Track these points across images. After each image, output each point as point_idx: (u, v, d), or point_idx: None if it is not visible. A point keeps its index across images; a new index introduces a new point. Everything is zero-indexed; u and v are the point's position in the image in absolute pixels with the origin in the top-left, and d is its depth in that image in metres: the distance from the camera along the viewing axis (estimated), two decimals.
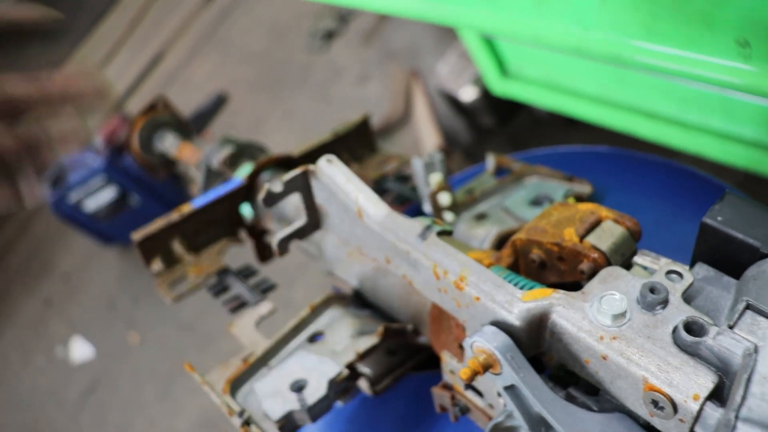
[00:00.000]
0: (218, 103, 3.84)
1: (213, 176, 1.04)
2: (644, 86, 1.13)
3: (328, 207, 0.59)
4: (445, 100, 2.48)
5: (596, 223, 0.54)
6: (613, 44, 0.80)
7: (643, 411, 0.43)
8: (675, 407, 0.41)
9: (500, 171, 0.91)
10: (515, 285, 0.51)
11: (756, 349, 0.40)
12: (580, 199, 0.80)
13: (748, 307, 0.43)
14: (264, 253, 1.00)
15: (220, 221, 0.94)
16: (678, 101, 1.09)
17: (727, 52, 0.71)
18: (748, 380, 0.39)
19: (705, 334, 0.42)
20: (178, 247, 0.90)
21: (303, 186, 0.58)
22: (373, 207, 0.54)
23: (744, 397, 0.38)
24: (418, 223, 0.53)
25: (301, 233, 0.61)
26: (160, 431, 2.39)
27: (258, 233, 0.99)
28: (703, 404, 0.40)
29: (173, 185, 3.20)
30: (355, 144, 1.05)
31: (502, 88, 1.52)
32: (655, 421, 0.43)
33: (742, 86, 0.71)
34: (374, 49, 3.34)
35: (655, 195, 0.82)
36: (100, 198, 3.00)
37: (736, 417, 0.38)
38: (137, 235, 0.86)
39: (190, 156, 1.23)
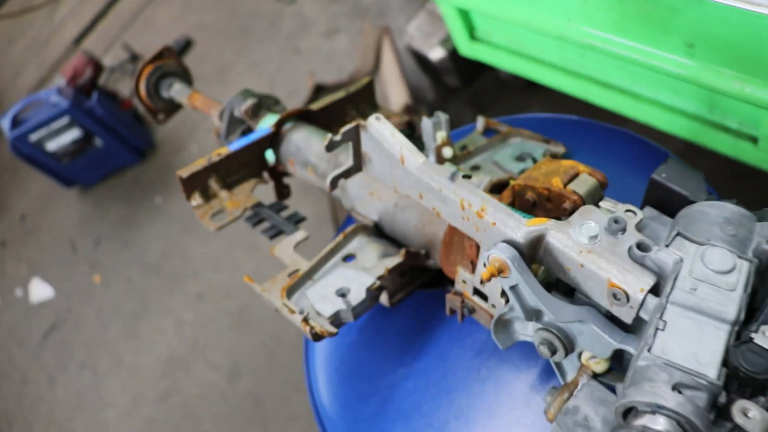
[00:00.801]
0: (185, 46, 3.81)
1: (234, 123, 1.19)
2: (602, 60, 1.23)
3: (371, 154, 0.77)
4: (414, 57, 2.60)
5: (576, 175, 0.74)
6: (589, 36, 0.99)
7: (606, 302, 0.64)
8: (628, 298, 0.61)
9: (488, 131, 1.11)
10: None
11: (681, 260, 0.61)
12: (555, 157, 1.01)
13: (678, 234, 0.63)
14: (282, 192, 1.17)
15: (248, 163, 1.10)
16: (631, 75, 1.22)
17: (677, 50, 0.91)
18: (675, 279, 0.60)
19: (649, 251, 0.63)
20: (214, 184, 1.06)
21: (354, 136, 0.76)
22: (413, 156, 0.72)
23: (672, 289, 0.59)
24: (447, 169, 0.72)
25: (347, 174, 0.79)
26: (127, 368, 2.48)
27: (278, 175, 1.16)
28: (646, 295, 0.60)
29: (136, 128, 3.22)
30: (361, 102, 1.22)
31: (470, 50, 1.60)
32: (614, 309, 0.64)
33: (686, 77, 0.91)
34: (343, 3, 3.39)
35: (612, 157, 1.03)
36: (62, 139, 2.99)
37: (666, 301, 0.59)
38: (183, 172, 1.02)
39: (203, 104, 1.37)
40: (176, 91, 1.45)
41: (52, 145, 2.98)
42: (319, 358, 1.05)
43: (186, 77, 1.49)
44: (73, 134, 2.98)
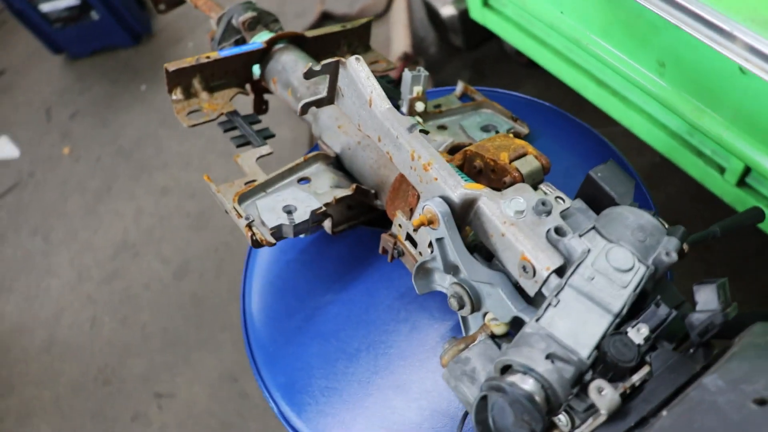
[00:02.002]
0: None
1: (230, 31, 1.22)
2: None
3: (345, 90, 0.81)
4: (425, 9, 2.61)
5: (523, 155, 0.80)
6: (577, 31, 1.03)
7: (516, 273, 0.71)
8: (534, 272, 0.68)
9: (464, 97, 1.16)
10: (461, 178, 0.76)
11: (588, 251, 0.67)
12: (517, 136, 1.06)
13: (594, 228, 0.70)
14: (260, 107, 1.21)
15: (234, 72, 1.13)
16: (626, 80, 1.20)
17: (649, 66, 0.96)
18: (578, 265, 0.66)
19: (564, 236, 0.69)
20: (197, 84, 1.09)
21: (333, 70, 0.80)
22: (381, 101, 0.77)
23: (573, 273, 0.66)
24: (408, 120, 0.77)
25: (319, 103, 0.83)
26: (79, 243, 2.52)
27: (260, 90, 1.20)
28: (550, 274, 0.67)
29: (136, 10, 3.17)
30: (355, 40, 1.26)
31: (481, 15, 1.61)
32: (521, 281, 0.70)
33: (655, 95, 0.97)
34: None
35: (569, 148, 1.09)
36: (58, 2, 2.92)
37: (565, 283, 0.66)
38: (170, 66, 1.05)
39: (204, 5, 1.39)
40: None
41: (46, 6, 2.91)
42: (258, 269, 1.11)
43: None
44: (71, 0, 2.93)
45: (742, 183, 1.07)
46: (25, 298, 2.41)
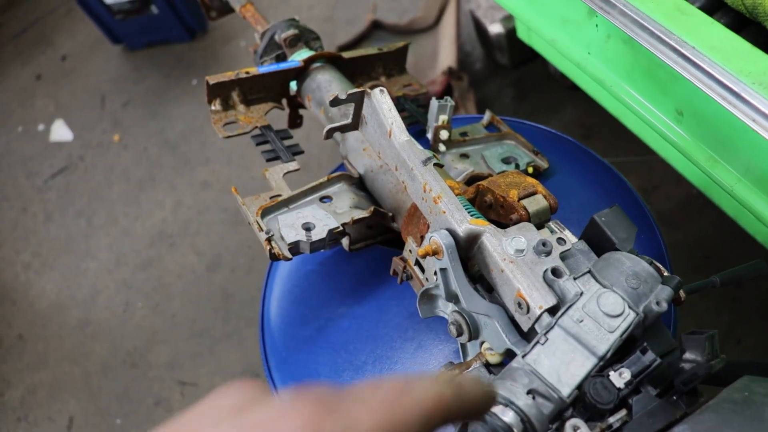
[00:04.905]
0: None
1: (272, 46, 1.28)
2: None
3: (368, 118, 0.86)
4: (474, 25, 2.64)
5: (532, 193, 0.83)
6: (602, 73, 1.06)
7: (512, 308, 0.74)
8: (528, 309, 0.71)
9: (491, 126, 1.19)
10: (468, 212, 0.80)
11: (581, 294, 0.71)
12: (536, 170, 1.09)
13: (589, 272, 0.73)
14: (295, 121, 1.27)
15: (271, 87, 1.19)
16: (646, 125, 1.26)
17: (668, 113, 0.99)
18: (568, 308, 0.70)
19: (560, 278, 0.72)
20: (235, 97, 1.16)
21: (358, 99, 0.85)
22: (400, 132, 0.82)
23: (562, 315, 0.69)
24: (424, 153, 0.81)
25: (344, 128, 0.88)
26: (119, 229, 2.62)
27: (295, 105, 1.25)
28: (543, 312, 0.71)
29: (194, 8, 3.27)
30: (390, 62, 1.30)
31: (527, 36, 1.62)
32: (516, 315, 0.74)
33: (673, 142, 0.99)
34: None
35: (587, 185, 1.12)
36: None
37: (555, 323, 0.69)
38: (211, 79, 1.11)
39: (251, 17, 1.45)
40: None
41: None
42: (279, 276, 1.16)
43: None
44: None
45: None
46: (65, 278, 2.52)
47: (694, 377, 0.69)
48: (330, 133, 0.88)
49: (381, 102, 0.83)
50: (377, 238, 1.06)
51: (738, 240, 1.86)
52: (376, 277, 1.08)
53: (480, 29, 2.61)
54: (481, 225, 0.75)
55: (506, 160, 1.10)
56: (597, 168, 1.15)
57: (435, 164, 0.81)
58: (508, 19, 2.49)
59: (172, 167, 2.77)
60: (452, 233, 0.76)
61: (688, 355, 0.72)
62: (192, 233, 2.53)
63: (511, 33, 2.44)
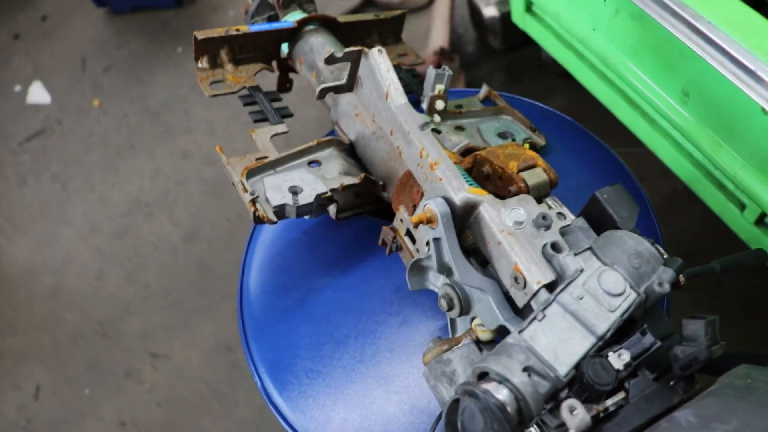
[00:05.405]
0: None
1: (264, 6, 1.23)
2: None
3: (364, 80, 0.82)
4: (468, 7, 2.60)
5: (532, 166, 0.80)
6: (607, 49, 1.02)
7: (508, 282, 0.71)
8: (525, 284, 0.68)
9: (487, 101, 1.15)
10: (466, 181, 0.76)
11: (581, 271, 0.67)
12: (533, 147, 1.06)
13: (590, 248, 0.70)
14: (284, 85, 1.22)
15: (262, 48, 1.14)
16: (649, 105, 1.19)
17: (674, 94, 0.95)
18: (569, 283, 0.66)
19: (559, 253, 0.69)
20: (224, 55, 1.10)
21: (355, 59, 0.81)
22: (397, 95, 0.78)
23: (561, 291, 0.66)
24: (421, 118, 0.77)
25: (338, 89, 0.84)
26: (96, 195, 2.54)
27: (286, 68, 1.20)
28: (540, 288, 0.67)
29: None
30: (386, 30, 1.26)
31: (522, 20, 1.60)
32: (512, 291, 0.71)
33: (677, 125, 0.96)
34: None
35: (583, 165, 1.09)
36: None
37: (553, 299, 0.66)
38: (200, 34, 1.06)
39: None
40: None
41: None
42: (261, 243, 1.12)
43: None
44: None
45: (760, 222, 1.05)
46: (37, 243, 2.44)
47: (694, 362, 0.66)
48: (323, 93, 0.84)
49: (379, 62, 0.79)
50: (366, 208, 1.01)
51: (721, 237, 1.85)
52: (362, 248, 1.04)
53: (474, 11, 2.57)
54: (480, 194, 0.71)
55: (503, 135, 1.06)
56: (595, 149, 1.12)
57: (432, 130, 0.77)
58: (503, 3, 2.45)
59: (153, 135, 2.70)
60: (448, 201, 0.72)
61: (687, 340, 0.69)
62: (170, 203, 2.47)
63: (505, 17, 2.41)
